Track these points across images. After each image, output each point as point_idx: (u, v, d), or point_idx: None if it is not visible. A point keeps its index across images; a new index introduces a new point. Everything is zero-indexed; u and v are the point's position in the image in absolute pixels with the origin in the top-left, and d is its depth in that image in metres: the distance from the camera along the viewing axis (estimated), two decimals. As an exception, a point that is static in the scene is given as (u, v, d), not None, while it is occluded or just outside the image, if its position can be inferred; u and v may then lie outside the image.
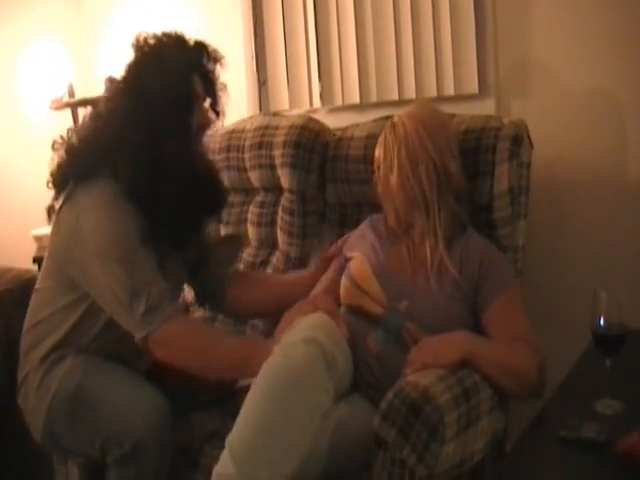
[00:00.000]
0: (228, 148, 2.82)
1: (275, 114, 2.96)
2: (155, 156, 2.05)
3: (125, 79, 2.13)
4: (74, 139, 2.16)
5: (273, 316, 2.47)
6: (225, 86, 2.24)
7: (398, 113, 2.16)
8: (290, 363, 1.77)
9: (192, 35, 2.18)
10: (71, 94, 3.41)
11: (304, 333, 1.82)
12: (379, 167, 2.13)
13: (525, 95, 2.59)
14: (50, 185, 2.13)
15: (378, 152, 2.13)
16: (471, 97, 2.63)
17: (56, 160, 2.15)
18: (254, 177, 2.76)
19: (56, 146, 2.16)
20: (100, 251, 2.00)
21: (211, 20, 3.39)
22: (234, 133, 2.83)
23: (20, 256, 3.15)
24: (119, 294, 1.98)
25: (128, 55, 2.15)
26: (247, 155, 2.75)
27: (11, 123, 3.58)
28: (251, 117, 3.00)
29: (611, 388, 1.69)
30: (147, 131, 2.04)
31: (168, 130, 2.06)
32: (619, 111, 2.42)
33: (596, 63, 2.44)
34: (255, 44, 3.18)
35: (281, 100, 3.12)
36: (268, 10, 3.13)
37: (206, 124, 2.21)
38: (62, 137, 2.17)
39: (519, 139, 2.19)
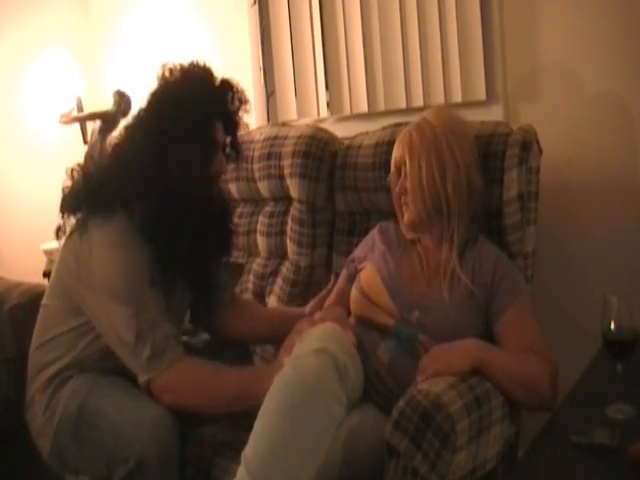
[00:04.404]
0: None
1: (283, 124, 2.97)
2: (170, 196, 2.04)
3: (146, 111, 2.12)
4: (91, 166, 2.17)
5: (261, 343, 2.55)
6: (248, 126, 2.24)
7: (421, 114, 2.15)
8: (301, 375, 1.75)
9: (217, 68, 2.17)
10: (80, 108, 3.41)
11: (314, 344, 1.80)
12: (398, 168, 2.12)
13: (533, 101, 2.58)
14: (62, 208, 2.13)
15: (399, 152, 2.11)
16: (479, 104, 2.62)
17: (70, 183, 2.14)
18: (263, 187, 2.77)
19: (73, 173, 2.15)
20: (108, 292, 2.00)
21: (219, 32, 3.42)
22: (243, 144, 2.83)
23: (30, 270, 3.16)
24: (123, 335, 1.99)
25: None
26: (256, 166, 2.76)
27: (20, 137, 3.59)
28: (259, 128, 3.01)
29: (622, 393, 1.68)
30: (164, 172, 2.03)
31: (185, 174, 2.05)
32: (628, 115, 2.41)
33: (604, 67, 2.43)
34: (262, 55, 3.18)
35: (289, 110, 3.12)
36: (275, 21, 3.13)
37: (223, 171, 2.22)
38: (79, 164, 2.17)
39: (528, 145, 2.18)
